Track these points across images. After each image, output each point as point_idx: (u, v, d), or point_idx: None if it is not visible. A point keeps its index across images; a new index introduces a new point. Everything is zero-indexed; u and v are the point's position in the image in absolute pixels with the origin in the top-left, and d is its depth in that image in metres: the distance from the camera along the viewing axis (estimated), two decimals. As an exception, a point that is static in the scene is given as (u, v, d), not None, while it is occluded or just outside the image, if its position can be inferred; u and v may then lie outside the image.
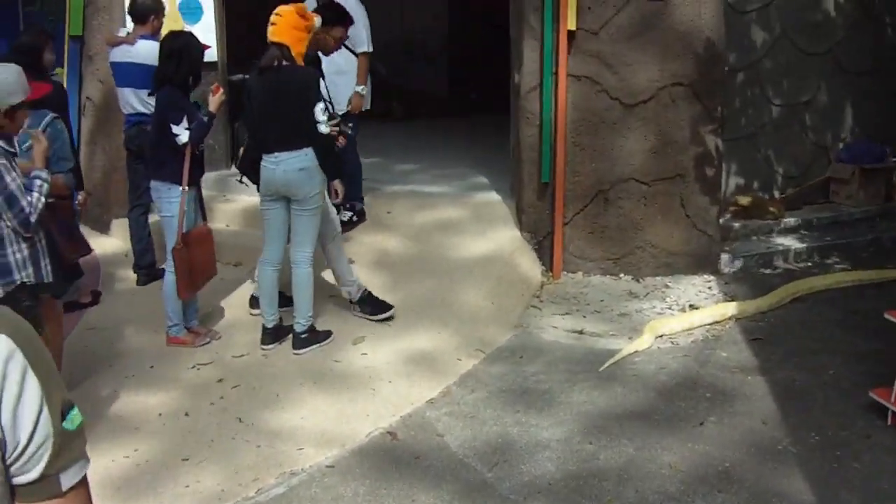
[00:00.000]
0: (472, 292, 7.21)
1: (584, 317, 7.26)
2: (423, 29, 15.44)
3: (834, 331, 6.90)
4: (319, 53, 6.87)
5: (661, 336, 6.83)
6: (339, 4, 6.92)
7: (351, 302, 6.89)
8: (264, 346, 6.45)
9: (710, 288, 7.89)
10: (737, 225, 8.82)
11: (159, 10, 7.54)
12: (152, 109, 6.63)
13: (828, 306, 7.43)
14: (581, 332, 6.94)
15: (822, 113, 9.65)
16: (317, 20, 6.30)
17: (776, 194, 9.48)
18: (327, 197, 6.67)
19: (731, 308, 7.24)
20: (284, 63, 6.11)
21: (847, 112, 9.85)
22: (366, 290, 6.88)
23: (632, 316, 7.28)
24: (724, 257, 8.29)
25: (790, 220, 9.12)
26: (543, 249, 8.15)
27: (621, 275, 8.08)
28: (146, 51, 7.07)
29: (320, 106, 6.07)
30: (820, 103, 9.61)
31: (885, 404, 5.45)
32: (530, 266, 8.00)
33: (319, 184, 6.26)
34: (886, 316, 5.50)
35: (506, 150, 9.12)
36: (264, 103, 6.21)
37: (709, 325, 7.06)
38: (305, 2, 7.13)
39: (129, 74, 7.42)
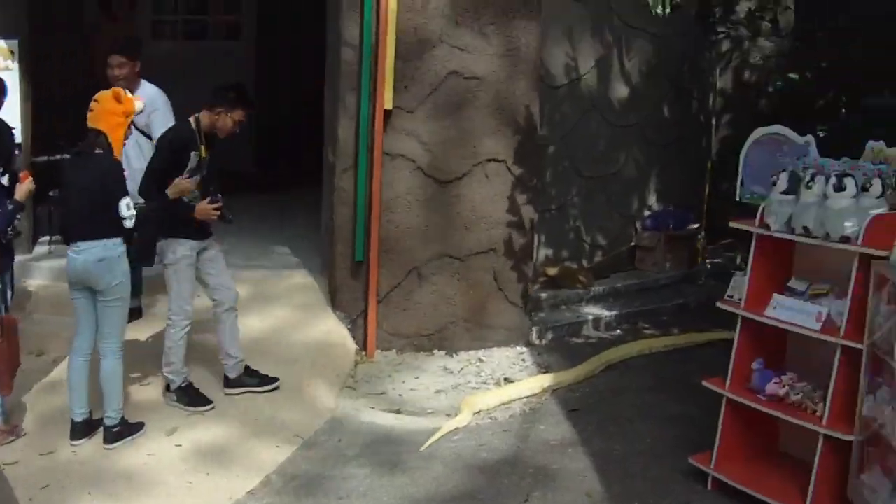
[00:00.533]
0: (285, 376, 7.03)
1: (401, 395, 7.18)
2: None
3: (646, 397, 7.05)
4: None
5: (478, 412, 6.82)
6: (243, 85, 6.75)
7: (167, 389, 6.65)
8: (74, 442, 6.11)
9: (523, 360, 7.95)
10: (545, 295, 8.93)
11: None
12: None
13: (638, 373, 7.60)
14: (398, 412, 6.86)
15: (628, 183, 9.95)
16: (138, 104, 6.10)
17: (584, 264, 9.67)
18: (221, 264, 6.68)
19: (545, 380, 7.31)
20: (97, 151, 5.91)
21: (652, 182, 10.19)
22: (187, 379, 6.65)
23: (447, 392, 7.24)
24: (536, 328, 8.38)
25: (598, 289, 9.32)
26: (357, 328, 8.04)
27: (435, 350, 8.05)
28: None
29: (125, 201, 5.85)
30: (627, 174, 9.90)
31: (705, 469, 5.56)
32: (344, 346, 7.87)
33: (122, 275, 6.02)
34: (704, 383, 5.63)
35: (316, 227, 9.05)
36: (71, 190, 6.01)
37: (525, 398, 7.10)
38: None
39: None
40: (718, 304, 5.63)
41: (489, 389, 7.25)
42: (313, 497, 5.56)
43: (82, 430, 6.14)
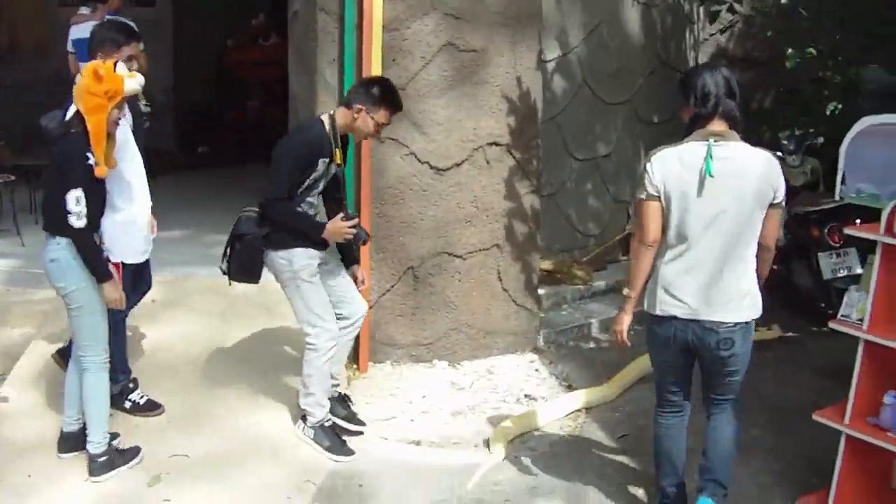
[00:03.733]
0: (275, 394, 6.02)
1: (412, 420, 6.19)
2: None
3: (701, 419, 6.12)
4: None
5: (511, 441, 5.87)
6: (389, 81, 5.67)
7: (303, 420, 5.73)
8: (60, 455, 5.26)
9: (537, 371, 7.02)
10: (543, 292, 7.97)
11: None
12: None
13: (679, 387, 6.68)
14: (418, 443, 5.87)
15: (621, 166, 9.07)
16: (132, 83, 4.95)
17: (577, 255, 8.77)
18: (342, 275, 5.77)
19: (577, 399, 6.40)
20: (73, 131, 4.87)
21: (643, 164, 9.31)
22: (331, 417, 5.78)
23: (466, 415, 6.28)
24: (544, 332, 7.47)
25: (599, 284, 8.44)
26: (346, 338, 7.01)
27: (435, 361, 7.07)
28: None
29: (74, 194, 4.78)
30: (620, 156, 9.02)
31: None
32: (334, 358, 6.83)
33: (77, 280, 4.95)
34: (816, 417, 4.76)
35: None
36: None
37: (559, 419, 6.18)
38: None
39: None
40: (832, 325, 4.74)
41: (515, 413, 6.30)
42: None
43: (69, 441, 5.26)
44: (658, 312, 4.52)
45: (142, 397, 5.80)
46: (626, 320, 4.72)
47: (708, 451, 4.81)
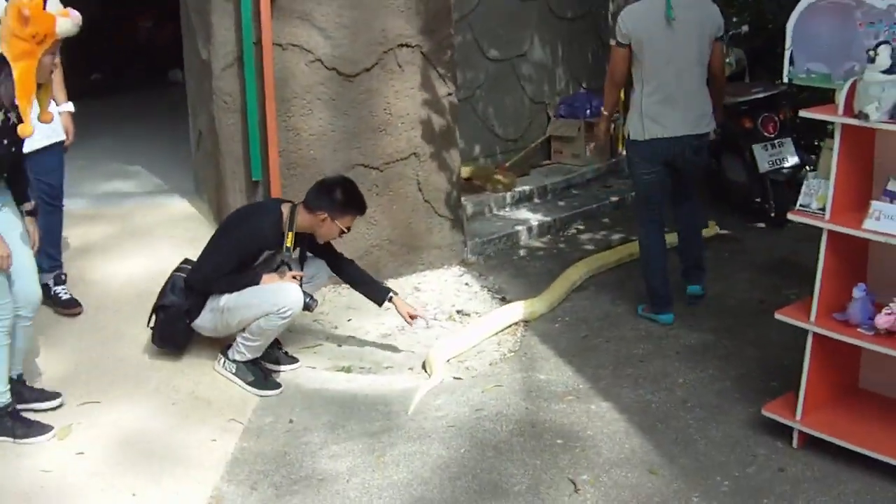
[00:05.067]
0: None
1: (340, 346, 5.77)
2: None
3: (646, 325, 5.83)
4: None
5: (448, 361, 5.49)
6: (351, 182, 5.31)
7: (224, 355, 5.31)
8: None
9: (467, 284, 6.64)
10: (464, 201, 7.52)
11: None
12: None
13: (616, 292, 6.36)
14: (349, 370, 5.46)
15: (537, 65, 8.65)
16: (65, 23, 4.28)
17: (499, 161, 8.38)
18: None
19: (513, 312, 6.02)
20: None
21: (561, 62, 8.89)
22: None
23: (395, 336, 5.88)
24: (469, 243, 7.08)
25: (523, 189, 8.05)
26: (261, 263, 6.55)
27: (357, 281, 6.64)
28: None
29: None
30: (535, 55, 8.58)
31: (786, 423, 4.40)
32: (250, 286, 6.37)
33: None
34: (779, 316, 4.42)
35: (165, 138, 8.00)
36: None
37: (496, 335, 5.82)
38: None
39: None
40: (791, 217, 4.36)
41: (444, 327, 5.94)
42: (290, 512, 4.14)
43: None
44: (646, 137, 5.59)
45: (66, 292, 5.65)
46: (603, 127, 6.06)
47: (683, 236, 6.07)
